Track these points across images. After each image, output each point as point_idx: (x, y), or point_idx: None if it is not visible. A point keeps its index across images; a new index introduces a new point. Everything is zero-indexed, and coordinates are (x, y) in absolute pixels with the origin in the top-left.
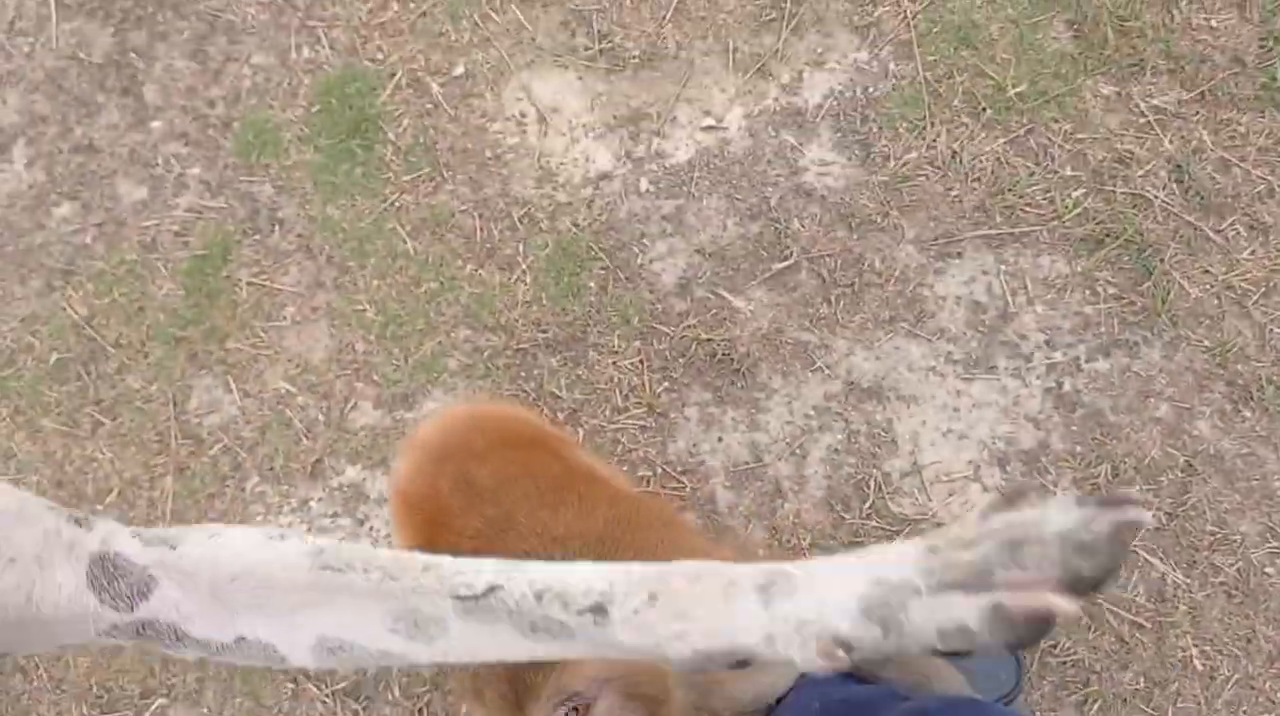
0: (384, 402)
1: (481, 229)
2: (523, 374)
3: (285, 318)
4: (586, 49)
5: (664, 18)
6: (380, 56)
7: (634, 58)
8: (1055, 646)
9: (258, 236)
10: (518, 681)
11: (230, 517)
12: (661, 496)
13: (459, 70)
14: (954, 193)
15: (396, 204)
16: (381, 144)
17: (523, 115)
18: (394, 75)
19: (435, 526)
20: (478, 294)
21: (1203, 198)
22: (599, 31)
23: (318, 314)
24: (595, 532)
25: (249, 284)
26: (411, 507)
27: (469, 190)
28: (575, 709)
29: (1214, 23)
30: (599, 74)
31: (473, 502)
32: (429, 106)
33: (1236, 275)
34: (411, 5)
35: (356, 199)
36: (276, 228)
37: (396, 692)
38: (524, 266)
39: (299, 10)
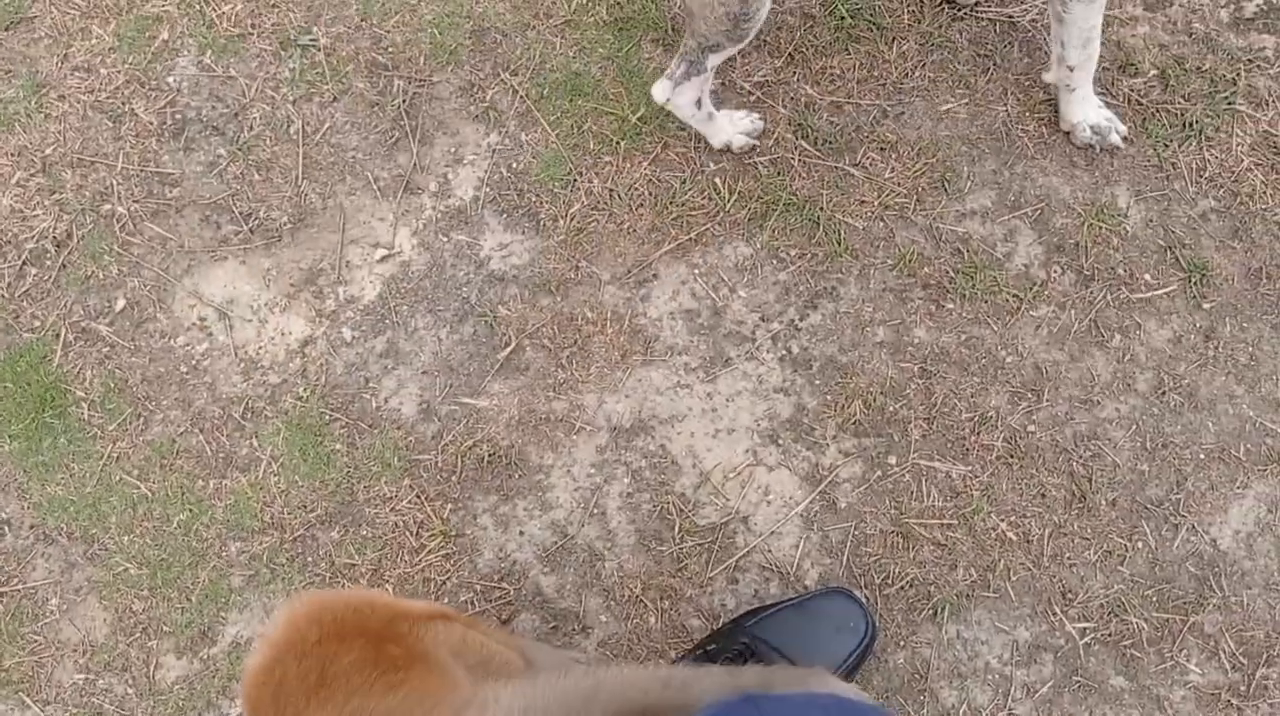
0: (184, 649)
1: (209, 442)
2: (310, 559)
3: (51, 611)
4: (237, 233)
5: (297, 178)
6: (37, 323)
7: (286, 224)
8: (887, 577)
9: None
10: None
11: None
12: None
13: (120, 303)
14: (626, 225)
15: (113, 455)
16: (74, 405)
17: (202, 319)
18: (58, 335)
19: None
20: (231, 504)
21: (830, 143)
22: (241, 214)
23: (82, 593)
24: None
25: (0, 595)
26: (249, 709)
27: (179, 412)
28: None
29: None
30: (259, 252)
31: (269, 708)
32: (105, 350)
33: (888, 195)
34: (47, 263)
35: (72, 467)
36: (6, 530)
37: None
38: (266, 459)
39: None
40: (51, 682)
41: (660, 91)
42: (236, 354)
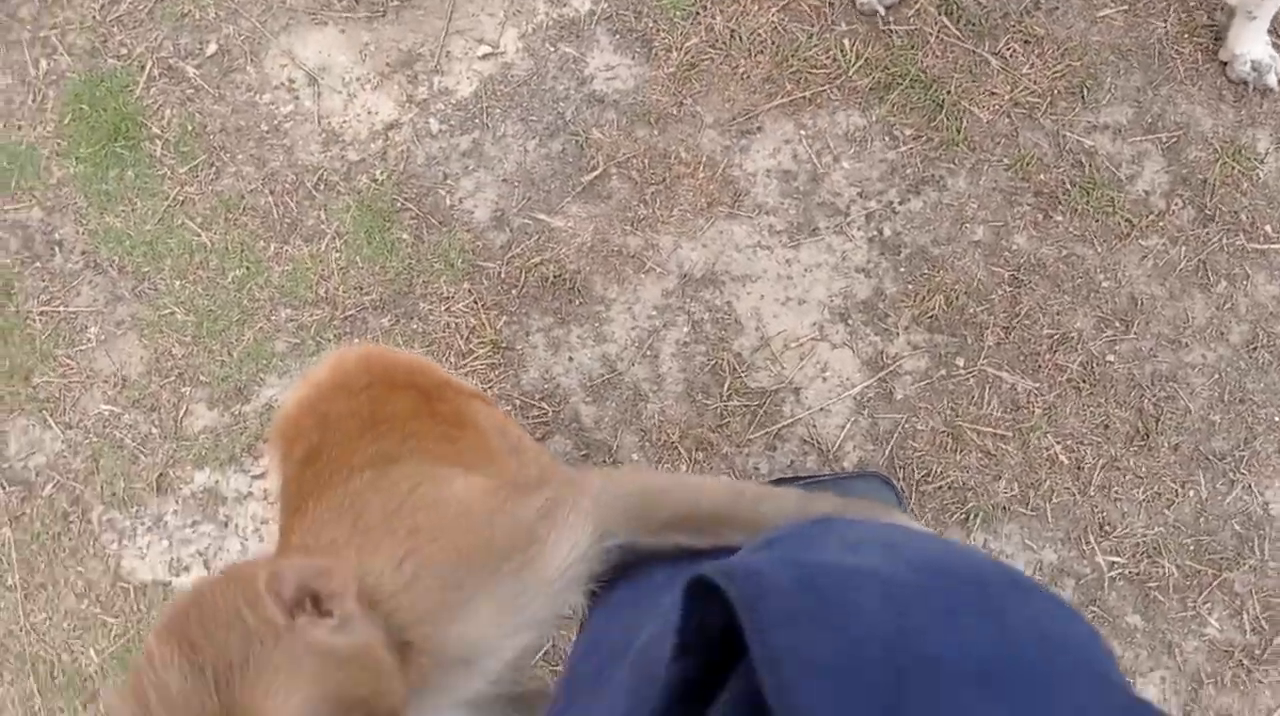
0: (217, 401)
1: (277, 205)
2: (356, 341)
3: (89, 339)
4: (341, 1)
5: None
6: (124, 51)
7: (393, 1)
8: (928, 474)
9: (38, 263)
10: None
11: (82, 552)
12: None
13: (212, 48)
14: (741, 70)
15: (180, 198)
16: (148, 140)
17: (291, 81)
18: (144, 67)
19: (285, 456)
20: (289, 271)
21: (974, 24)
22: None
23: (123, 327)
24: (388, 455)
25: (41, 314)
26: (282, 434)
27: (253, 169)
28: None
29: None
30: (360, 24)
31: (313, 432)
32: (189, 92)
33: (1021, 91)
34: None
35: (135, 203)
36: (57, 250)
37: None
38: (330, 233)
39: (26, 23)
40: (77, 408)
41: None
42: (319, 123)
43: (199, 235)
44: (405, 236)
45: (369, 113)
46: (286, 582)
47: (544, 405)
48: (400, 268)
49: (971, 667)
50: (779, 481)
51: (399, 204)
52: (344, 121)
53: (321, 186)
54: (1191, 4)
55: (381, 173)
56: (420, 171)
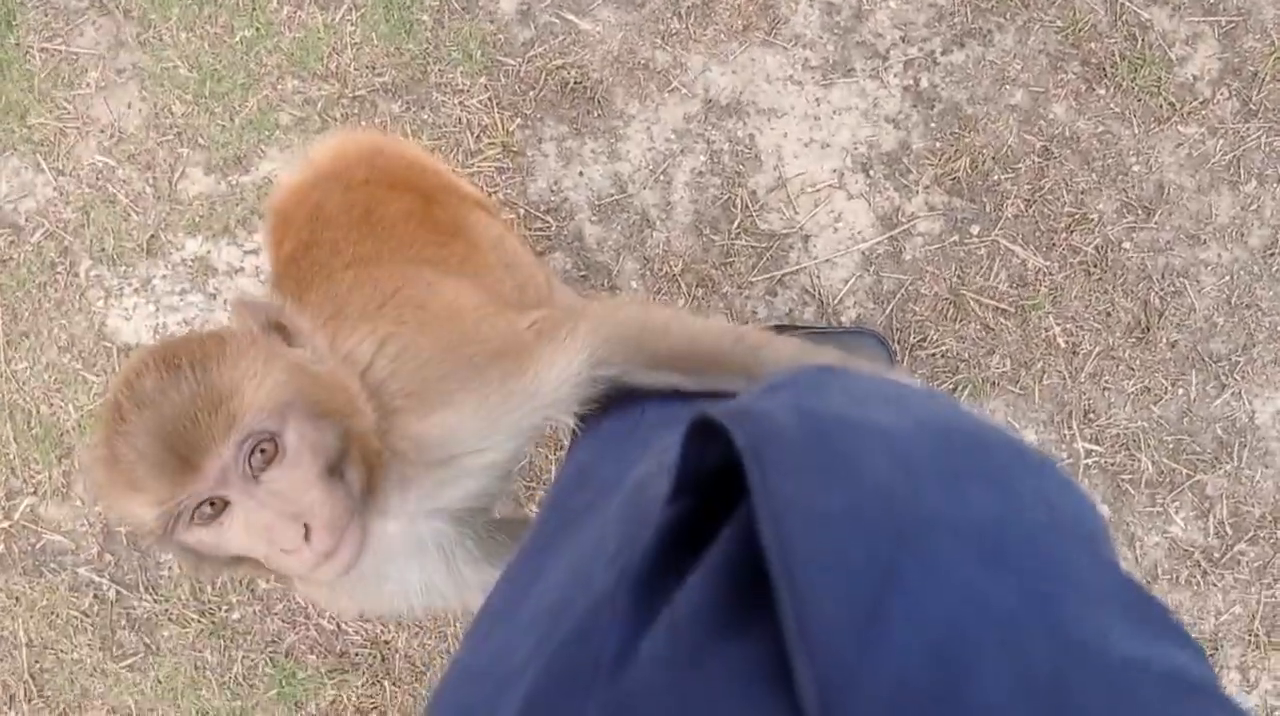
0: (215, 167)
1: None
2: (363, 123)
3: (88, 84)
4: None
5: None
6: None
7: None
8: (924, 339)
9: None
10: (173, 439)
11: (68, 306)
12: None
13: None
14: None
15: None
16: None
17: None
18: None
19: (276, 244)
20: (300, 39)
21: None
22: None
23: (124, 76)
24: (371, 257)
25: (42, 50)
26: (275, 219)
27: None
28: (262, 447)
29: None
30: None
31: (304, 226)
32: None
33: None
34: None
35: None
36: None
37: None
38: (348, 3)
39: None
40: (71, 155)
41: None
42: None
43: None
44: (425, 18)
45: None
46: (257, 309)
47: (549, 218)
48: (417, 51)
49: (974, 535)
50: (776, 328)
51: None
52: None
53: None
54: None
55: None
56: None
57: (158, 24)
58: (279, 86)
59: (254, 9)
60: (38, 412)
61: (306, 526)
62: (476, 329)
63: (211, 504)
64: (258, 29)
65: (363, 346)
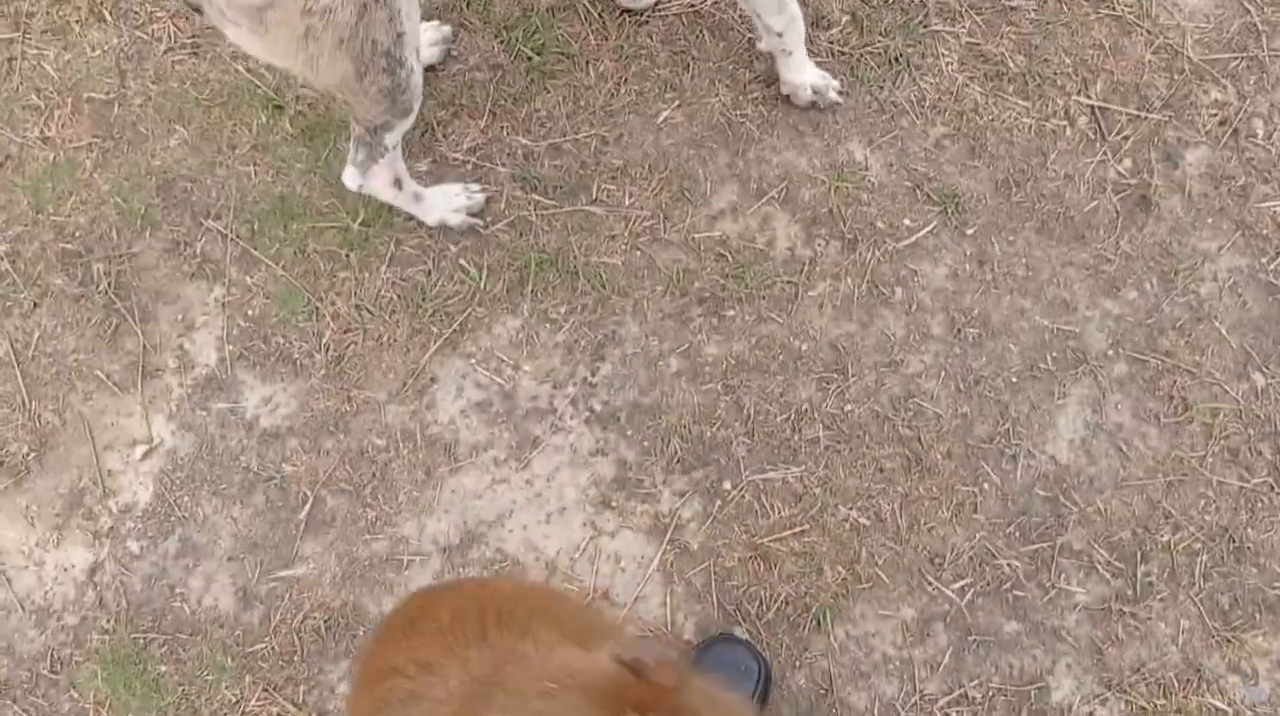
0: None
1: (25, 714)
2: None
3: None
4: None
5: (24, 402)
6: None
7: (29, 454)
8: (760, 605)
9: None
10: None
11: None
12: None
13: None
14: (385, 338)
15: None
16: None
17: None
18: None
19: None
20: None
21: (560, 186)
22: None
23: None
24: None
25: None
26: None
27: None
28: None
29: None
30: (10, 492)
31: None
32: None
33: (635, 223)
34: None
35: None
36: None
37: None
38: (92, 707)
39: None
40: None
41: (350, 179)
42: (24, 607)
43: None
44: (165, 667)
45: (65, 569)
46: None
47: None
48: (176, 700)
49: None
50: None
51: (142, 640)
52: (47, 592)
53: (58, 666)
54: (730, 68)
55: (108, 620)
56: (145, 597)
57: None
58: None
59: None
60: None
61: None
62: None
63: None
64: None
65: None
